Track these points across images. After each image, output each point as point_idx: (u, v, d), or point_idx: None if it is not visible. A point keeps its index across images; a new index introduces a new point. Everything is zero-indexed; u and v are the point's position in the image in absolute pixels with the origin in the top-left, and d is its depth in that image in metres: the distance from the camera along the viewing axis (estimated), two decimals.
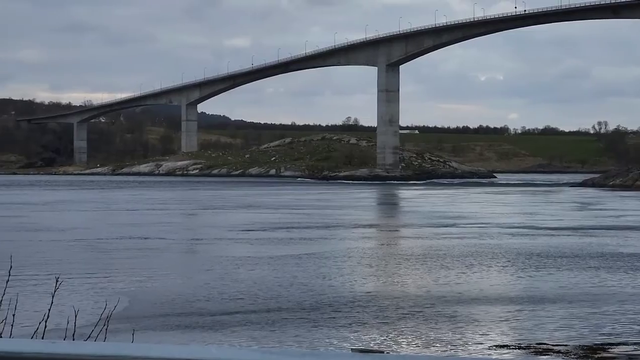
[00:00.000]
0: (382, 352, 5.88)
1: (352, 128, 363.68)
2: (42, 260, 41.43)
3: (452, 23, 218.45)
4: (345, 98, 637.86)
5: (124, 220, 70.87)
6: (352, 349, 5.90)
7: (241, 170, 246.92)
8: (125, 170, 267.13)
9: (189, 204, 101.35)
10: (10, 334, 8.34)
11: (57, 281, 8.80)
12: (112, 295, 29.94)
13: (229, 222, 68.21)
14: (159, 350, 5.44)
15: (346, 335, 24.48)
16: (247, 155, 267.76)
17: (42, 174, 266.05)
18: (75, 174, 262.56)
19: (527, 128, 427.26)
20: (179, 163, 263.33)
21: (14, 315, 8.74)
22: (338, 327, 25.65)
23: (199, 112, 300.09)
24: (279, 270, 38.72)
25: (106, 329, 8.69)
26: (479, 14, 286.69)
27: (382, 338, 24.14)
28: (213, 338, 23.93)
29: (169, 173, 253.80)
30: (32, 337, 7.00)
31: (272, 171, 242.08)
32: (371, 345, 22.02)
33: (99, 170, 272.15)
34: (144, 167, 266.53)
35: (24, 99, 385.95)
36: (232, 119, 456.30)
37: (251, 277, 36.24)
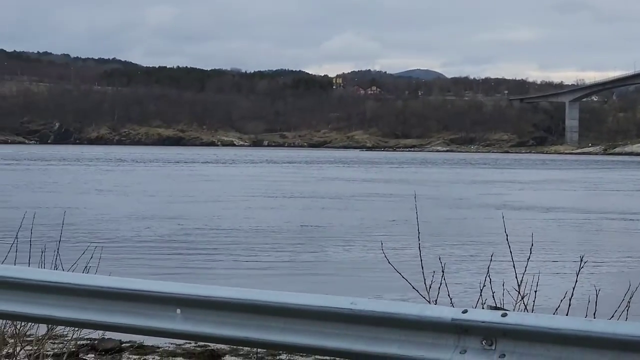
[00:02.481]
0: None
1: None
2: (530, 238, 41.60)
3: None
4: None
5: (610, 201, 69.29)
6: None
7: None
8: (617, 150, 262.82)
9: None
10: (532, 309, 8.55)
11: (581, 261, 8.82)
12: (608, 276, 29.63)
13: None
14: None
15: None
16: None
17: (532, 153, 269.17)
18: (565, 154, 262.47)
19: None
20: None
21: (535, 291, 8.94)
22: None
23: None
24: None
25: (627, 310, 8.57)
26: None
27: None
28: None
29: None
30: (554, 314, 7.11)
31: None
32: None
33: (590, 149, 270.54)
34: (636, 147, 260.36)
35: (516, 79, 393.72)
36: None
37: None
